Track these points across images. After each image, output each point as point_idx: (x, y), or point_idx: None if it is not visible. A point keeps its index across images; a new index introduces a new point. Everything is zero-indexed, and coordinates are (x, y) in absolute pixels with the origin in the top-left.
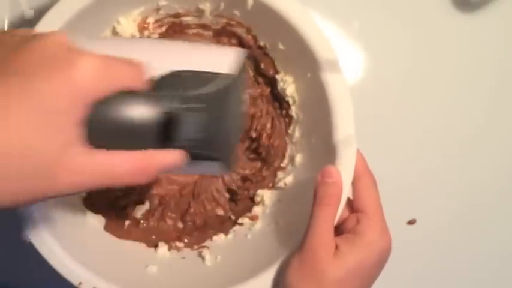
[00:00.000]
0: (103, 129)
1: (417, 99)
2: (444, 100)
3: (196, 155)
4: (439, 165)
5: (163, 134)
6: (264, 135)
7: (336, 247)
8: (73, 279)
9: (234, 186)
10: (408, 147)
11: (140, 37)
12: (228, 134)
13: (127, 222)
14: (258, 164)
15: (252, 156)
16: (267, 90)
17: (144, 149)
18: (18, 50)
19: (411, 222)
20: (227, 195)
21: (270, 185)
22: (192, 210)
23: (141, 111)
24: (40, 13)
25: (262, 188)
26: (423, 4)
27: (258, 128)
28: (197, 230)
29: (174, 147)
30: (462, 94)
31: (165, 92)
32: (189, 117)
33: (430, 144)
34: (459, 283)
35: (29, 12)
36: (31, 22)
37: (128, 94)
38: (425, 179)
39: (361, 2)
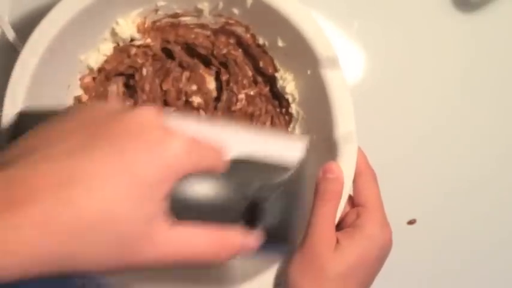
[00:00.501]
0: (187, 207)
1: (417, 99)
2: (444, 100)
3: (268, 238)
4: (439, 165)
5: (242, 217)
6: None
7: (337, 242)
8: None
9: None
10: (408, 147)
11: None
12: (297, 220)
13: None
14: None
15: None
16: (266, 89)
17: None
18: (114, 119)
19: (411, 222)
20: None
21: None
22: None
23: (223, 193)
24: (41, 14)
25: None
26: (423, 4)
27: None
28: None
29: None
30: (462, 94)
31: (244, 176)
32: (267, 203)
33: (430, 144)
34: (459, 283)
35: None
36: (34, 21)
37: (210, 177)
38: (425, 179)
39: (361, 2)
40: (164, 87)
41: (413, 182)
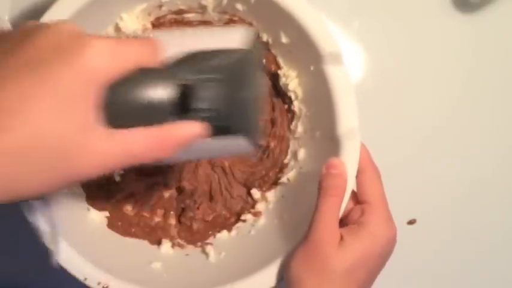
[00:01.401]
0: (120, 109)
1: (417, 99)
2: (444, 100)
3: (216, 128)
4: (439, 165)
5: (180, 106)
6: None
7: (341, 238)
8: (78, 275)
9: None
10: (408, 148)
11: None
12: (247, 105)
13: (130, 220)
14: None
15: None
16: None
17: (163, 123)
18: (28, 38)
19: (411, 222)
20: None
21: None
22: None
23: (156, 86)
24: (44, 8)
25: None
26: (423, 4)
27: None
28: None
29: (193, 119)
30: (462, 94)
31: (180, 66)
32: (205, 87)
33: (430, 144)
34: (459, 283)
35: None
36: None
37: (143, 71)
38: (426, 179)
39: (361, 2)
40: None
41: (413, 182)
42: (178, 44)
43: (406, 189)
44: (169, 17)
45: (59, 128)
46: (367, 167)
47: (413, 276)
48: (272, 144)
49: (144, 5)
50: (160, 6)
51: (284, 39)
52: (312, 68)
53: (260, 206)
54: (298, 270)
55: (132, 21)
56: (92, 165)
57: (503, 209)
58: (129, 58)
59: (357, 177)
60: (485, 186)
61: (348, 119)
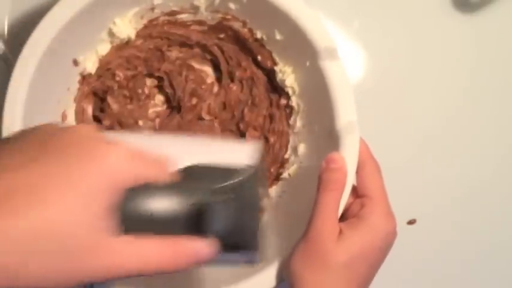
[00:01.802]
0: (133, 219)
1: (417, 99)
2: (444, 100)
3: (226, 246)
4: (439, 165)
5: (194, 226)
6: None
7: (340, 232)
8: None
9: None
10: (408, 147)
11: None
12: (254, 223)
13: None
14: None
15: None
16: (263, 78)
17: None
18: (55, 135)
19: (411, 222)
20: None
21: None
22: None
23: (171, 202)
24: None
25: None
26: (423, 4)
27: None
28: None
29: (206, 237)
30: (462, 94)
31: (194, 183)
32: (220, 208)
33: (429, 144)
34: (459, 283)
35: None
36: (33, 22)
37: (156, 185)
38: (426, 179)
39: (361, 2)
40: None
41: (413, 182)
42: (186, 156)
43: (406, 189)
44: (162, 19)
45: (71, 221)
46: (366, 161)
47: (413, 276)
48: (272, 140)
49: (136, 9)
50: (152, 9)
51: (278, 36)
52: (307, 64)
53: (263, 203)
54: (298, 265)
55: (125, 25)
56: (100, 268)
57: (503, 209)
58: (144, 171)
59: (357, 171)
60: (485, 186)
61: (346, 113)
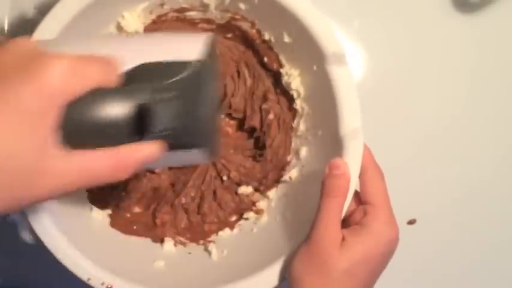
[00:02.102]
0: (78, 129)
1: (417, 99)
2: (444, 100)
3: (174, 145)
4: (439, 165)
5: (138, 127)
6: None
7: (343, 239)
8: (82, 275)
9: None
10: (408, 147)
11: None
12: (205, 119)
13: (132, 218)
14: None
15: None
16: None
17: (122, 144)
18: None
19: (411, 222)
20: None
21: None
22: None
23: (113, 107)
24: (46, 9)
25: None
26: (423, 5)
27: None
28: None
29: (151, 139)
30: (462, 94)
31: (135, 85)
32: (161, 107)
33: (430, 144)
34: (459, 283)
35: (31, 12)
36: (33, 20)
37: (100, 91)
38: (426, 179)
39: (361, 2)
40: None
41: (413, 182)
42: (135, 51)
43: (407, 190)
44: (171, 15)
45: (16, 147)
46: (370, 168)
47: (413, 276)
48: (275, 141)
49: (146, 4)
50: (162, 5)
51: (287, 39)
52: (315, 68)
53: (262, 204)
54: (300, 270)
55: (134, 19)
56: (49, 187)
57: (503, 209)
58: (89, 78)
59: (360, 178)
60: (485, 186)
61: (351, 119)
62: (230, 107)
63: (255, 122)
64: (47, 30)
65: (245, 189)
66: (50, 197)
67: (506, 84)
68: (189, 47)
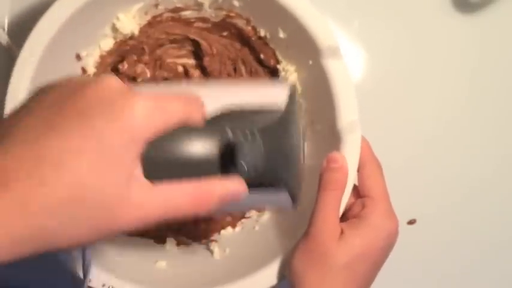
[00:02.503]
0: (161, 164)
1: (417, 99)
2: (444, 101)
3: (256, 183)
4: (439, 165)
5: (222, 164)
6: None
7: (342, 232)
8: (83, 276)
9: None
10: (408, 148)
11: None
12: (286, 161)
13: None
14: None
15: None
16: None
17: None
18: (75, 93)
19: (411, 222)
20: None
21: None
22: None
23: (198, 143)
24: (41, 10)
25: None
26: (423, 5)
27: None
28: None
29: (234, 176)
30: (462, 95)
31: (221, 125)
32: (247, 146)
33: (430, 145)
34: (459, 283)
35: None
36: (31, 20)
37: (186, 128)
38: (426, 179)
39: (361, 2)
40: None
41: (413, 182)
42: (216, 99)
43: (406, 189)
44: (166, 15)
45: (100, 182)
46: (368, 161)
47: (413, 276)
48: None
49: (140, 4)
50: (156, 5)
51: (282, 34)
52: (310, 63)
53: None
54: (299, 265)
55: (129, 20)
56: (132, 218)
57: (503, 209)
58: (173, 115)
59: (358, 171)
60: (485, 186)
61: (348, 113)
62: None
63: None
64: (43, 30)
65: None
66: (133, 228)
67: (507, 84)
68: (269, 98)
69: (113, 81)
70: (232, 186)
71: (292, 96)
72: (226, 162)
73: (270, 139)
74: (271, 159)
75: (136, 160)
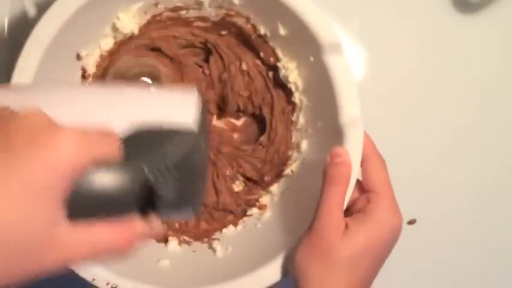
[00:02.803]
0: (84, 203)
1: (417, 99)
2: (444, 100)
3: (169, 210)
4: (439, 165)
5: (140, 199)
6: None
7: (346, 227)
8: (87, 275)
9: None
10: (408, 147)
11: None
12: (198, 188)
13: None
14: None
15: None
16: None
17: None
18: (1, 128)
19: (411, 222)
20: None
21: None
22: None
23: (117, 182)
24: (41, 10)
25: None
26: (423, 5)
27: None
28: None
29: (154, 213)
30: (462, 94)
31: (137, 160)
32: (163, 185)
33: (430, 144)
34: (459, 283)
35: (32, 11)
36: (33, 20)
37: (104, 165)
38: (426, 179)
39: (361, 1)
40: None
41: (413, 182)
42: (126, 112)
43: (406, 189)
44: (166, 14)
45: (23, 221)
46: (372, 156)
47: (413, 276)
48: (275, 135)
49: (140, 4)
50: (156, 4)
51: (282, 31)
52: (311, 59)
53: (265, 199)
54: (303, 259)
55: (129, 20)
56: (56, 260)
57: (503, 209)
58: (95, 151)
59: (362, 166)
60: (485, 186)
61: (350, 108)
62: (238, 106)
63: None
64: (43, 30)
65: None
66: (56, 269)
67: (507, 84)
68: (177, 108)
69: (38, 117)
70: (152, 227)
71: (202, 109)
72: (144, 197)
73: (185, 170)
74: (184, 189)
75: (60, 199)
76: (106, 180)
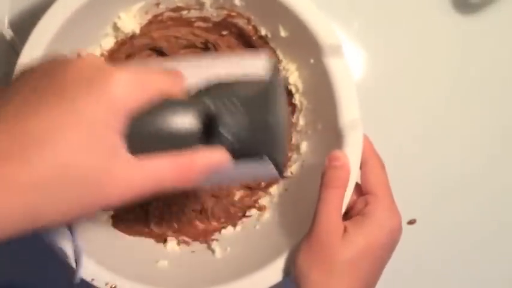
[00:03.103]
0: (144, 138)
1: (417, 99)
2: (444, 100)
3: (240, 153)
4: (439, 165)
5: (204, 134)
6: None
7: (345, 230)
8: (86, 276)
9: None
10: (408, 148)
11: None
12: (269, 131)
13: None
14: None
15: None
16: None
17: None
18: (56, 72)
19: (411, 222)
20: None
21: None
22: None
23: (179, 115)
24: (42, 10)
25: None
26: (423, 5)
27: None
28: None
29: (217, 146)
30: (462, 94)
31: (202, 97)
32: (229, 115)
33: (430, 144)
34: (459, 283)
35: (31, 11)
36: (32, 20)
37: (167, 100)
38: (426, 179)
39: (361, 2)
40: None
41: (413, 182)
42: (197, 73)
43: (406, 189)
44: (167, 14)
45: (84, 158)
46: (370, 158)
47: (413, 276)
48: None
49: (141, 3)
50: (157, 4)
51: (283, 33)
52: (312, 61)
53: (264, 201)
54: (304, 265)
55: (130, 20)
56: (118, 193)
57: (503, 209)
58: (153, 88)
59: (360, 168)
60: (486, 186)
61: (350, 111)
62: None
63: None
64: (44, 30)
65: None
66: (118, 203)
67: (507, 84)
68: (250, 69)
69: (93, 59)
70: (215, 156)
71: (275, 68)
72: (208, 133)
73: (253, 109)
74: (254, 129)
75: (119, 134)
76: (167, 114)
